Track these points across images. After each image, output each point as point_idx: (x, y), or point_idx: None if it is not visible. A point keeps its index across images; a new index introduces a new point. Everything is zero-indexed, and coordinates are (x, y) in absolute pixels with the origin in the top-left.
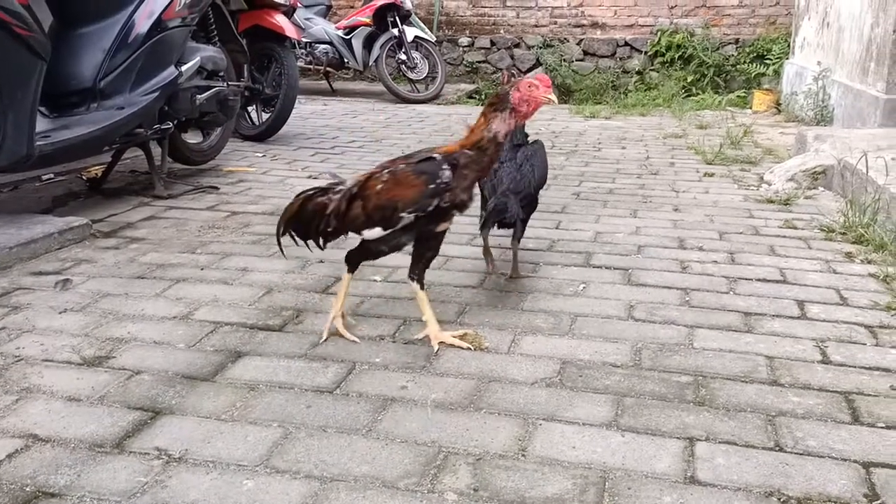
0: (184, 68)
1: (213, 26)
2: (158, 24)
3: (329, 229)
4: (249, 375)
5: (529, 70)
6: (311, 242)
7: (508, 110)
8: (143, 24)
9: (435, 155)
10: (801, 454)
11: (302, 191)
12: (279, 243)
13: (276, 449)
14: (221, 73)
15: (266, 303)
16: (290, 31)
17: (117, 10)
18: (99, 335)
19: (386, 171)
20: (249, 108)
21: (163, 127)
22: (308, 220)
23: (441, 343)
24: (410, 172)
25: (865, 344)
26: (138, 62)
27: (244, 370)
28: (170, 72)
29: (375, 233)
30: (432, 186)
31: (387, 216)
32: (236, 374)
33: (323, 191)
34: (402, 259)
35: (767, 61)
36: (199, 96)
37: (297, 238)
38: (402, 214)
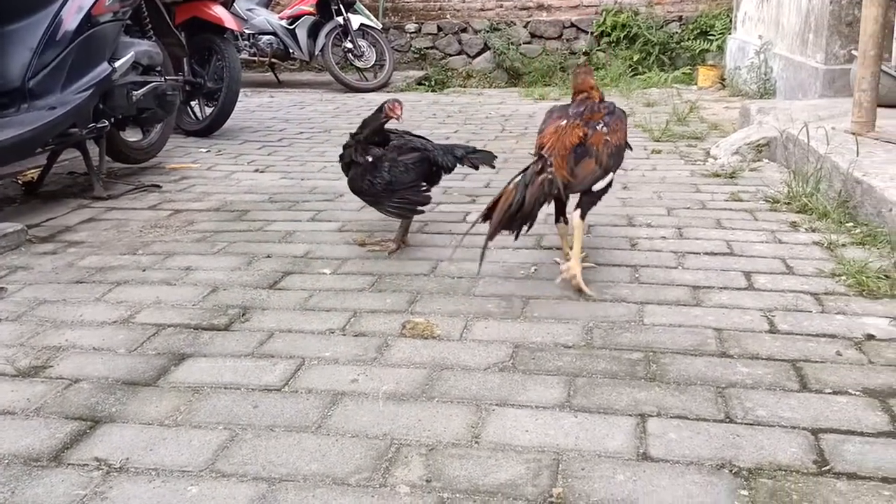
0: (117, 64)
1: (147, 20)
2: (88, 20)
3: (548, 202)
4: (194, 378)
5: (478, 54)
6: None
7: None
8: (71, 19)
9: (593, 98)
10: (751, 424)
11: (508, 183)
12: (485, 248)
13: (222, 452)
14: (158, 68)
15: (211, 302)
16: (230, 22)
17: (43, 6)
18: (35, 344)
19: (581, 125)
20: (192, 103)
21: (98, 126)
22: (531, 203)
23: (574, 282)
24: (609, 115)
25: (811, 311)
26: (69, 59)
27: (188, 373)
28: (103, 68)
29: (607, 180)
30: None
31: (619, 159)
32: (180, 378)
33: (526, 172)
34: (350, 251)
35: (711, 37)
36: (135, 92)
37: (507, 230)
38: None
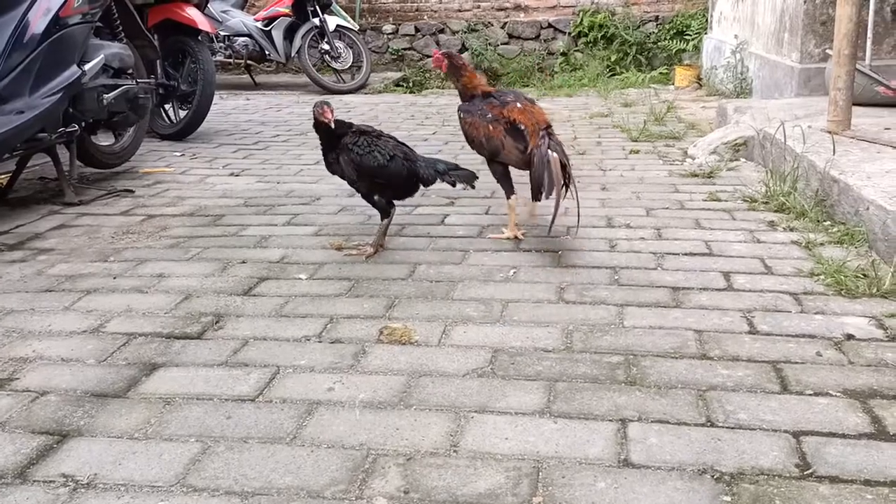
0: (87, 67)
1: (118, 21)
2: (56, 22)
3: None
4: (165, 388)
5: None
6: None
7: None
8: (38, 22)
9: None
10: (732, 428)
11: (553, 155)
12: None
13: (194, 466)
14: (130, 71)
15: (184, 309)
16: (203, 24)
17: (9, 8)
18: (1, 356)
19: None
20: (166, 106)
21: (68, 130)
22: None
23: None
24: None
25: (791, 312)
26: (36, 63)
27: (159, 383)
28: (72, 71)
29: None
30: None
31: None
32: (151, 388)
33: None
34: (327, 255)
35: (687, 37)
36: (106, 96)
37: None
38: None
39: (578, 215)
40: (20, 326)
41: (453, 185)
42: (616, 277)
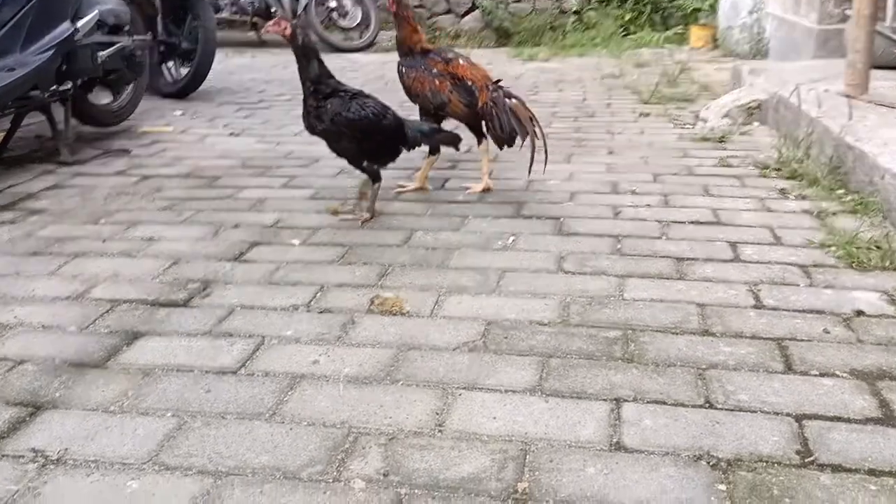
0: (80, 23)
1: None
2: None
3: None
4: (145, 359)
5: (466, 13)
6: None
7: None
8: None
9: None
10: (732, 410)
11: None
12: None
13: (168, 442)
14: (126, 28)
15: (171, 275)
16: None
17: None
18: None
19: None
20: (168, 64)
21: (61, 88)
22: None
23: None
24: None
25: (799, 285)
26: (27, 18)
27: (140, 353)
28: (64, 28)
29: None
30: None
31: None
32: (131, 359)
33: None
34: (322, 220)
35: None
36: (100, 53)
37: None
38: None
39: (546, 161)
40: (3, 291)
41: (437, 148)
42: (618, 247)
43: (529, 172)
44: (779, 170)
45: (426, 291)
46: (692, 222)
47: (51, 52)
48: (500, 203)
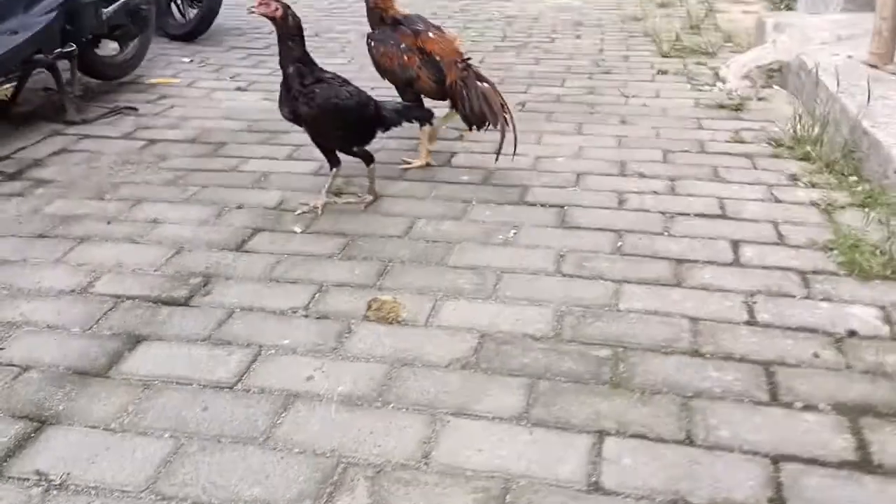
0: None
1: None
2: None
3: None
4: (146, 369)
5: None
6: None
7: None
8: None
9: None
10: (711, 448)
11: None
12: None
13: (165, 468)
14: None
15: (174, 266)
16: None
17: None
18: None
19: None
20: (177, 1)
21: (65, 50)
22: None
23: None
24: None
25: (795, 297)
26: None
27: (141, 361)
28: None
29: None
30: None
31: None
32: (132, 367)
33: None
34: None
35: None
36: (104, 10)
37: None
38: None
39: (515, 144)
40: (11, 281)
41: (409, 121)
42: (619, 244)
43: (497, 158)
44: (792, 149)
45: (423, 295)
46: (697, 215)
47: (54, 13)
48: (505, 186)
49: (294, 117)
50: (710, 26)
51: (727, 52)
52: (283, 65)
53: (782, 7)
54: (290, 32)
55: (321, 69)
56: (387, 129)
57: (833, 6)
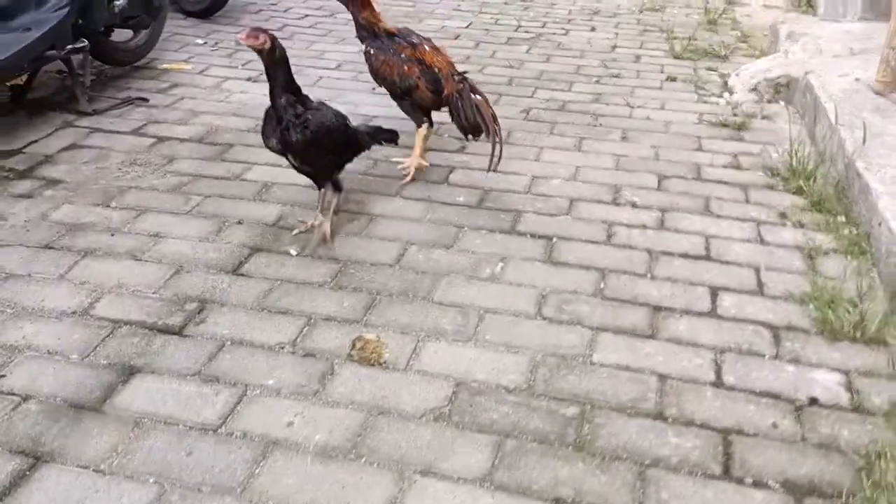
0: None
1: None
2: None
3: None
4: (137, 404)
5: None
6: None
7: None
8: None
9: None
10: None
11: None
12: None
13: None
14: None
15: (172, 289)
16: None
17: None
18: None
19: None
20: None
21: (77, 46)
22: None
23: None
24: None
25: (764, 356)
26: None
27: (134, 395)
28: None
29: None
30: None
31: None
32: (125, 402)
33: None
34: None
35: None
36: (117, 3)
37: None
38: None
39: (500, 156)
40: (16, 299)
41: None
42: (601, 286)
43: (489, 170)
44: (787, 180)
45: (406, 335)
46: (681, 255)
47: (67, 8)
48: (499, 210)
49: (283, 147)
50: (727, 22)
51: (740, 55)
52: (276, 94)
53: (803, 5)
54: (276, 63)
55: (306, 95)
56: (360, 152)
57: (851, 13)
